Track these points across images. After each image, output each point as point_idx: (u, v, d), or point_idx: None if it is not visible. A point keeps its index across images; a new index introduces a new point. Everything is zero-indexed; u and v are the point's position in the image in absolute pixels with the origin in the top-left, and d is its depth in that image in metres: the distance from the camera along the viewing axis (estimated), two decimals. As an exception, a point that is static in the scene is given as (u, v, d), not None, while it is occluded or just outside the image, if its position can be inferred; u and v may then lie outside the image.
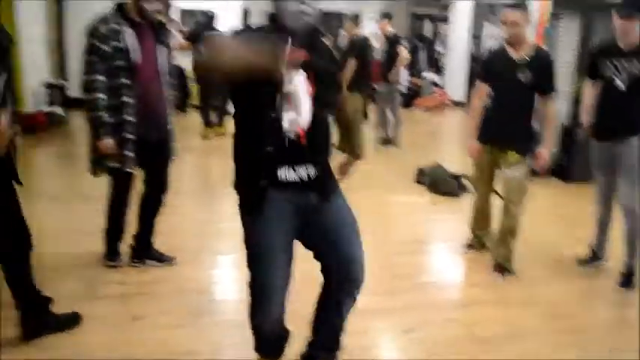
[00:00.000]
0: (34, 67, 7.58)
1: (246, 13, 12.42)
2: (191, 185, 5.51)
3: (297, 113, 1.93)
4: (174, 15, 9.49)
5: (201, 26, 7.41)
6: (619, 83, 3.46)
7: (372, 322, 3.06)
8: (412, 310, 3.22)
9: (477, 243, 4.08)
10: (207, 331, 2.86)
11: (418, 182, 5.80)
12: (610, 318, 3.35)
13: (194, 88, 10.04)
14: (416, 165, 6.01)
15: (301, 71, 1.90)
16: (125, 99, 3.03)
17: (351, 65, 6.41)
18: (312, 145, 1.99)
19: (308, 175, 2.02)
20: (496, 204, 3.91)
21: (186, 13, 10.60)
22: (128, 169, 3.17)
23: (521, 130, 3.64)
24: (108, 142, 3.03)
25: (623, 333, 3.13)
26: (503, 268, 3.71)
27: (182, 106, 9.59)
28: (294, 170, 1.99)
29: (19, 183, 2.49)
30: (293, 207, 2.03)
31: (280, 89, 1.87)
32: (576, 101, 6.43)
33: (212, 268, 3.66)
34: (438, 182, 5.49)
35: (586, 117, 3.76)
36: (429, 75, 12.75)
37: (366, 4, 13.44)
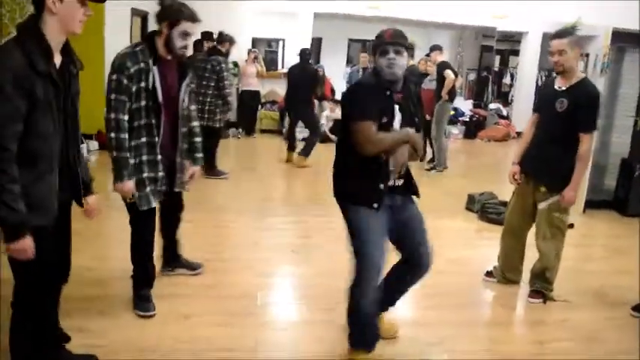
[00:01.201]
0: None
1: (319, 42, 12.96)
2: (245, 203, 5.86)
3: None
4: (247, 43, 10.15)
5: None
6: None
7: (401, 332, 3.24)
8: (440, 324, 3.38)
9: (502, 278, 4.00)
10: (251, 331, 3.14)
11: (468, 209, 5.91)
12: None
13: (264, 114, 10.62)
14: (468, 192, 6.12)
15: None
16: (148, 139, 3.00)
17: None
18: None
19: (395, 184, 2.73)
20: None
21: (256, 41, 11.28)
22: (150, 205, 3.08)
23: (553, 164, 3.58)
24: (128, 185, 2.94)
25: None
26: (541, 294, 3.77)
27: (250, 130, 10.12)
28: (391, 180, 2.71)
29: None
30: (387, 206, 2.70)
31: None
32: (636, 134, 6.37)
33: (258, 276, 3.95)
34: (487, 209, 5.57)
35: None
36: (495, 106, 12.73)
37: (436, 34, 13.69)
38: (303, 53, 8.03)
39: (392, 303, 3.05)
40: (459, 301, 3.72)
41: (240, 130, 10.08)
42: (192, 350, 2.89)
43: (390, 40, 2.61)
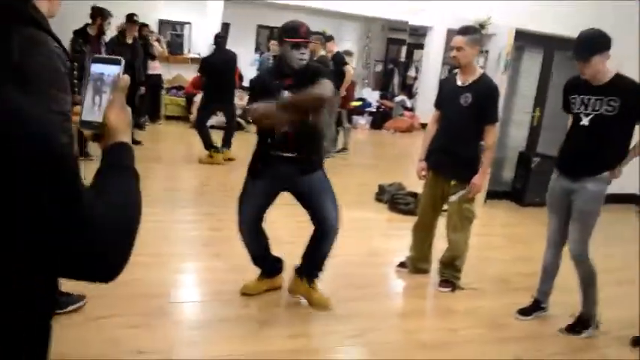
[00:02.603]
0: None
1: (227, 28, 12.65)
2: (152, 194, 5.63)
3: None
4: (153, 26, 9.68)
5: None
6: (583, 119, 3.25)
7: (322, 327, 3.24)
8: (360, 317, 3.40)
9: (414, 268, 4.11)
10: (164, 332, 2.99)
11: (378, 200, 6.01)
12: (543, 329, 3.55)
13: (169, 99, 10.21)
14: (378, 184, 6.22)
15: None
16: None
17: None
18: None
19: (284, 155, 3.14)
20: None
21: (163, 23, 10.83)
22: None
23: (460, 157, 3.70)
24: None
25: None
26: (451, 283, 3.91)
27: (155, 116, 9.68)
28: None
29: None
30: (274, 175, 3.21)
31: None
32: (533, 129, 6.78)
33: (170, 272, 3.79)
34: (397, 200, 5.69)
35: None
36: (401, 98, 13.09)
37: (345, 25, 13.84)
38: (218, 39, 7.50)
39: (313, 269, 3.39)
40: (374, 292, 3.77)
41: (146, 116, 9.61)
42: (101, 354, 2.71)
43: (304, 38, 3.06)
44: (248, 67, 11.76)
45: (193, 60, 10.71)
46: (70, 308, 2.99)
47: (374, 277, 3.98)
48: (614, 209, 4.77)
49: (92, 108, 1.06)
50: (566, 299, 3.61)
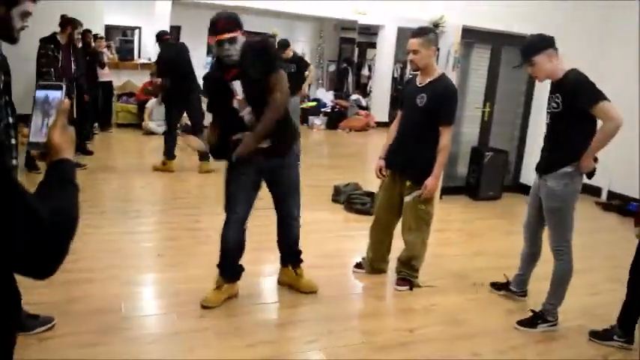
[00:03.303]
0: None
1: (178, 31, 12.45)
2: (104, 205, 5.48)
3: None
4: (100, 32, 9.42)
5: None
6: (546, 117, 3.40)
7: (277, 333, 3.21)
8: (317, 321, 3.39)
9: (371, 269, 4.11)
10: (118, 349, 2.90)
11: (334, 201, 6.01)
12: (502, 323, 3.60)
13: (120, 107, 9.96)
14: (333, 185, 6.21)
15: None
16: None
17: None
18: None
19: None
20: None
21: (112, 29, 10.57)
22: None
23: (416, 158, 3.69)
24: None
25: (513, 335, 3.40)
26: (408, 281, 3.92)
27: (106, 124, 9.42)
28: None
29: None
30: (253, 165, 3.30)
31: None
32: (484, 124, 6.90)
33: (124, 285, 3.68)
34: (353, 200, 5.70)
35: None
36: (356, 97, 13.16)
37: (298, 25, 13.83)
38: (161, 36, 7.10)
39: (292, 254, 3.68)
40: (332, 295, 3.75)
41: (96, 124, 9.32)
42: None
43: (220, 34, 3.03)
44: (202, 70, 11.59)
45: (143, 65, 10.51)
46: (38, 330, 2.91)
47: (330, 280, 3.96)
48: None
49: (39, 130, 1.20)
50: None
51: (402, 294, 3.86)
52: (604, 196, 7.14)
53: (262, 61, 3.14)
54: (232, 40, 3.04)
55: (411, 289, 3.89)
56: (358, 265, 4.18)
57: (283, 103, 3.19)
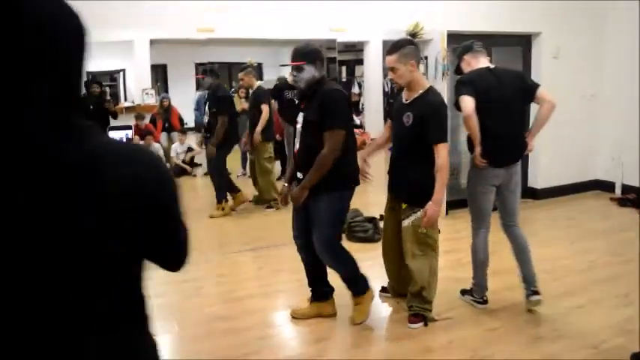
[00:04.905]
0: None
1: (164, 69, 12.28)
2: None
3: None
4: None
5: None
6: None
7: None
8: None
9: (393, 292, 3.98)
10: None
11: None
12: (531, 353, 3.24)
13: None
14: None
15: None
16: None
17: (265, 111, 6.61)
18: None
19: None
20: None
21: (98, 75, 10.38)
22: None
23: (409, 179, 3.44)
24: None
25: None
26: (421, 316, 3.56)
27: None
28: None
29: None
30: None
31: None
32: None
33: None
34: (354, 228, 5.36)
35: None
36: (349, 116, 12.88)
37: (282, 51, 13.56)
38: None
39: (345, 284, 3.61)
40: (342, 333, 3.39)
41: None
42: None
43: (293, 62, 3.31)
44: (191, 107, 11.34)
45: (128, 109, 10.23)
46: None
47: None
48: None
49: None
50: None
51: (416, 332, 3.49)
52: (618, 191, 6.78)
53: (323, 111, 3.20)
54: (298, 69, 3.27)
55: (425, 324, 3.53)
56: (384, 290, 4.00)
57: (329, 163, 3.21)
